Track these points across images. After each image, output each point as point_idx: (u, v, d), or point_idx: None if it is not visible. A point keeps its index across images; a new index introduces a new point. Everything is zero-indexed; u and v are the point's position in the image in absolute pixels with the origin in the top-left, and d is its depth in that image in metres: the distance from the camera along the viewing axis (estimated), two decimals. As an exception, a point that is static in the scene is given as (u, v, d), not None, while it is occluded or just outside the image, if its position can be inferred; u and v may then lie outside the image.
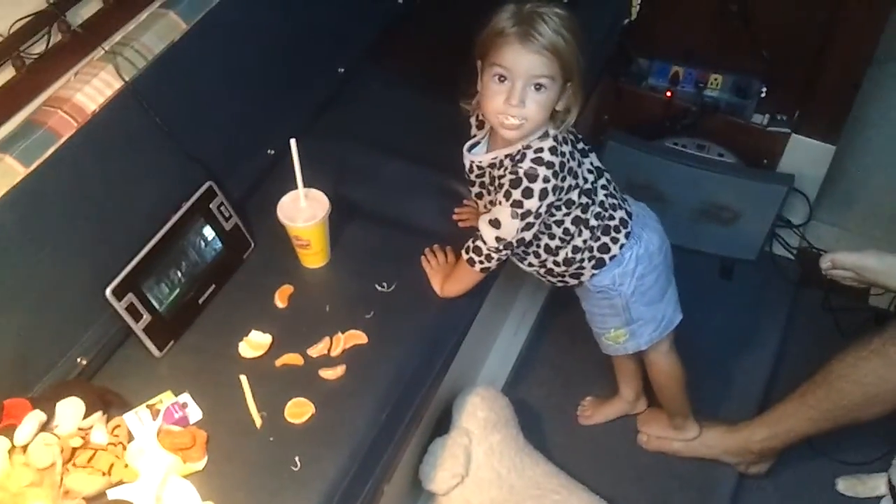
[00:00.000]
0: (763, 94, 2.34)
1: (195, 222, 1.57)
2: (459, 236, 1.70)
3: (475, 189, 1.61)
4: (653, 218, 1.68)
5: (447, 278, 1.61)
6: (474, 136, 1.58)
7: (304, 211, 1.57)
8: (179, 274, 1.54)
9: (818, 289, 2.29)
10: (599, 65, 2.26)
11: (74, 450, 1.32)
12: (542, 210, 1.45)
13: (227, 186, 1.66)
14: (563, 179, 1.46)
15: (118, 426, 1.39)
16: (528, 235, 1.50)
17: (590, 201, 1.55)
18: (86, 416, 1.36)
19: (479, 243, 1.51)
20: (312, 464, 1.37)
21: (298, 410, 1.43)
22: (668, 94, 2.37)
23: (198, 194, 1.57)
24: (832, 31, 2.10)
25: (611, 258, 1.61)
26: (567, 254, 1.58)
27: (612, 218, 1.59)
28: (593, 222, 1.56)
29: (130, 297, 1.46)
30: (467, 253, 1.54)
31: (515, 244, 1.50)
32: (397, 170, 1.81)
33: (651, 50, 2.42)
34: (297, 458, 1.37)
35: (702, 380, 2.15)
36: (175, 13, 1.55)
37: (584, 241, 1.57)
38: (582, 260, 1.60)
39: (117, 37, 1.50)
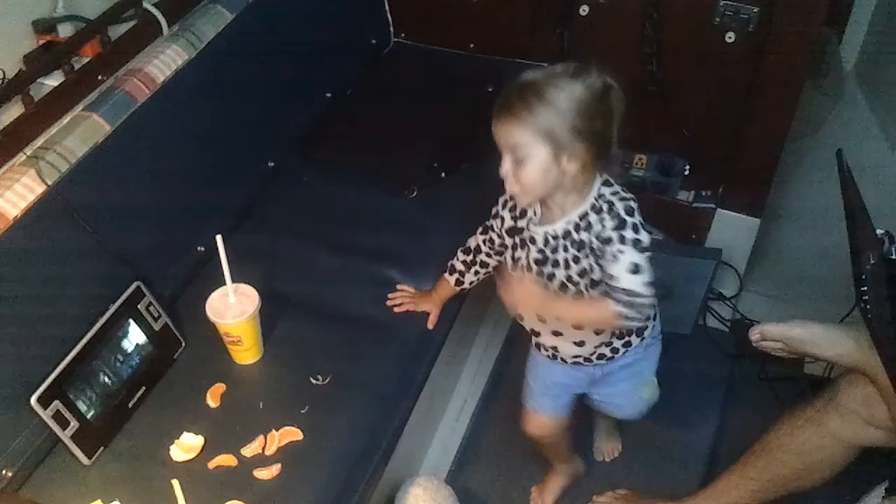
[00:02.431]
0: (687, 172, 2.40)
1: (123, 323, 1.54)
2: (394, 322, 1.71)
3: (537, 263, 1.52)
4: None
5: (564, 308, 1.54)
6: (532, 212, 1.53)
7: (233, 307, 1.56)
8: (108, 378, 1.51)
9: (754, 359, 2.32)
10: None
11: (-2, 568, 1.27)
12: None
13: (156, 285, 1.64)
14: None
15: (45, 540, 1.34)
16: None
17: None
18: (10, 531, 1.31)
19: (634, 299, 1.41)
20: (249, 570, 1.34)
21: (233, 513, 1.40)
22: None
23: (125, 295, 1.55)
24: (749, 111, 2.17)
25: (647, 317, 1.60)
26: None
27: None
28: None
29: (56, 404, 1.42)
30: (620, 306, 1.42)
31: None
32: (329, 261, 1.81)
33: (577, 133, 2.47)
34: (232, 566, 1.34)
35: (643, 456, 2.16)
36: (98, 115, 1.55)
37: None
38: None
39: (39, 141, 1.49)
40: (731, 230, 2.37)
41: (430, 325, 1.75)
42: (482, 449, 2.19)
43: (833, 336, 1.67)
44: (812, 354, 1.70)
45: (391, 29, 2.43)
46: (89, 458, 1.47)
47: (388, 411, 1.61)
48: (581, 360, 1.67)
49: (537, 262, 1.53)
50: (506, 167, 1.40)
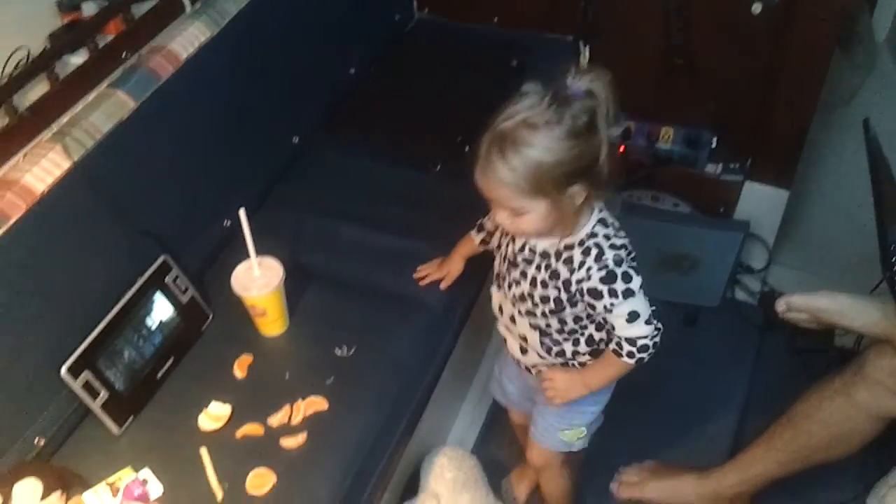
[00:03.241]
0: (714, 145, 2.38)
1: (151, 296, 1.57)
2: (419, 295, 1.72)
3: (515, 271, 1.49)
4: None
5: (590, 377, 1.53)
6: None
7: (258, 280, 1.58)
8: (136, 349, 1.54)
9: (783, 332, 2.30)
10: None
11: (32, 532, 1.31)
12: None
13: (183, 259, 1.66)
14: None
15: (77, 506, 1.37)
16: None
17: None
18: (44, 496, 1.35)
19: (640, 344, 1.42)
20: (276, 536, 1.36)
21: (260, 481, 1.42)
22: (621, 148, 2.41)
23: (152, 268, 1.58)
24: (776, 80, 2.14)
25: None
26: (596, 338, 1.51)
27: None
28: None
29: (87, 374, 1.45)
30: (628, 357, 1.44)
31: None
32: (353, 234, 1.83)
33: (602, 106, 2.46)
34: (259, 530, 1.36)
35: (670, 428, 2.16)
36: (123, 92, 1.56)
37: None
38: (602, 350, 1.52)
39: (65, 118, 1.51)
40: (760, 202, 2.36)
41: (444, 286, 1.72)
42: (507, 421, 2.19)
43: (860, 306, 1.66)
44: (839, 325, 1.69)
45: (414, 4, 2.43)
46: (119, 427, 1.50)
47: (413, 382, 1.62)
48: (520, 366, 1.65)
49: (510, 262, 1.50)
50: (501, 218, 1.36)
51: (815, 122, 2.19)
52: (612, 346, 1.46)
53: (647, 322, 1.41)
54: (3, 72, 1.43)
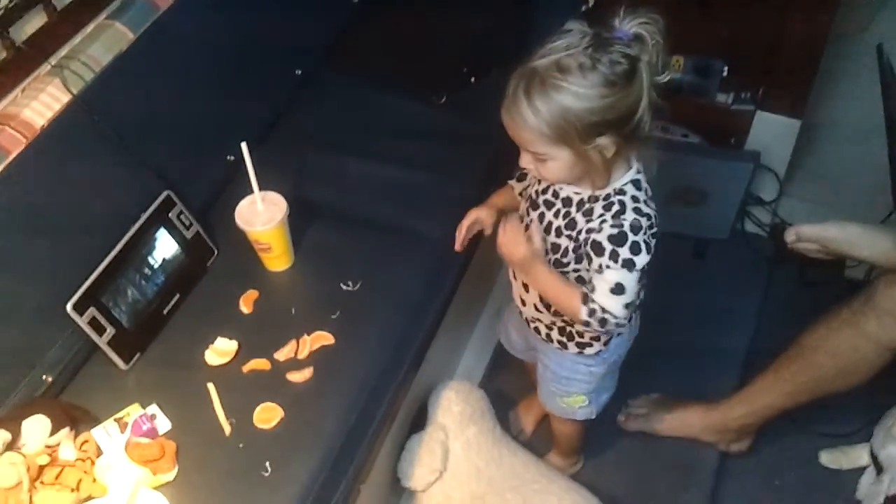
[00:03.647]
0: (725, 74, 2.33)
1: (155, 232, 1.55)
2: (424, 230, 1.70)
3: (534, 213, 1.44)
4: None
5: (539, 269, 1.41)
6: None
7: (261, 214, 1.56)
8: (141, 285, 1.53)
9: (793, 264, 2.29)
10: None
11: (42, 468, 1.31)
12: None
13: (186, 195, 1.64)
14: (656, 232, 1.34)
15: (86, 441, 1.38)
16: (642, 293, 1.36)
17: None
18: (52, 433, 1.35)
19: (606, 316, 1.34)
20: (283, 468, 1.36)
21: (267, 415, 1.43)
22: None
23: (156, 204, 1.56)
24: (789, 7, 2.09)
25: (618, 334, 1.54)
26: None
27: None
28: None
29: (92, 311, 1.44)
30: (587, 315, 1.36)
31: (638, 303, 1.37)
32: (358, 169, 1.80)
33: (611, 35, 2.42)
34: (267, 464, 1.36)
35: (679, 359, 2.16)
36: (121, 23, 1.54)
37: None
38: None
39: (63, 51, 1.49)
40: (771, 133, 2.33)
41: (457, 248, 1.61)
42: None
43: (870, 236, 1.64)
44: (848, 255, 1.68)
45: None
46: (126, 363, 1.50)
47: (418, 317, 1.61)
48: (521, 316, 1.62)
49: (532, 202, 1.45)
50: (526, 161, 1.31)
51: (827, 52, 2.15)
52: (584, 290, 1.37)
53: (626, 306, 1.34)
54: (-1, 3, 1.40)
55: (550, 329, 1.58)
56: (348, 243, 1.69)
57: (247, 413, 1.43)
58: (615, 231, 1.30)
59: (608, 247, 1.31)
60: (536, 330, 1.61)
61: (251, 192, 1.58)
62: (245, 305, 1.59)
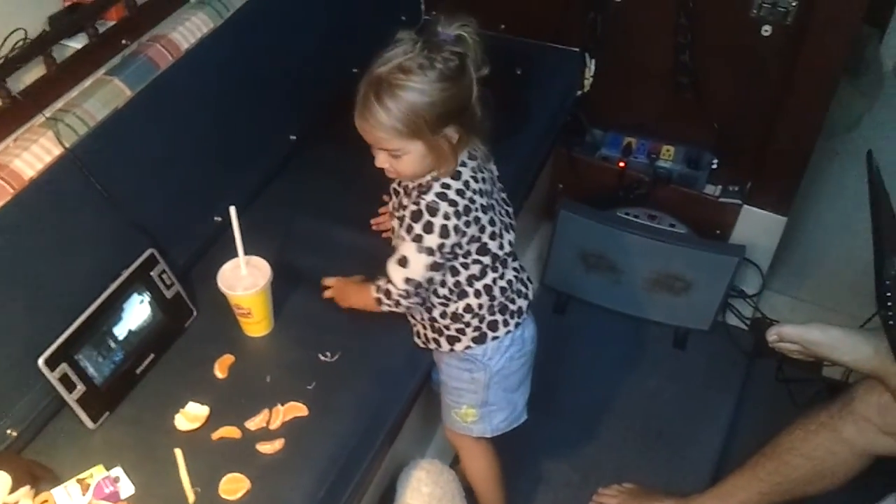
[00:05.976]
0: (714, 166, 2.37)
1: (135, 290, 1.54)
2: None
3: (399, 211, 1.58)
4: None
5: (353, 293, 1.62)
6: None
7: (244, 279, 1.55)
8: (117, 343, 1.51)
9: (772, 359, 2.29)
10: (552, 135, 2.28)
11: (-2, 526, 1.28)
12: (446, 249, 1.43)
13: (171, 254, 1.64)
14: (467, 225, 1.44)
15: (46, 501, 1.35)
16: (436, 277, 1.48)
17: (496, 272, 1.53)
18: (12, 490, 1.32)
19: (389, 286, 1.49)
20: (246, 543, 1.33)
21: (233, 486, 1.39)
22: (622, 164, 2.39)
23: (138, 262, 1.55)
24: (781, 105, 2.13)
25: (493, 338, 1.58)
26: (457, 309, 1.54)
27: (513, 301, 1.58)
28: (496, 292, 1.54)
29: (64, 367, 1.42)
30: (377, 292, 1.52)
31: (426, 286, 1.48)
32: (347, 237, 1.80)
33: (604, 121, 2.45)
34: (230, 537, 1.33)
35: (654, 450, 2.15)
36: (120, 80, 1.54)
37: (480, 306, 1.54)
38: (468, 324, 1.56)
39: (59, 103, 1.49)
40: (757, 227, 2.34)
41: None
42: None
43: (852, 341, 1.64)
44: (829, 358, 1.68)
45: (422, 6, 2.41)
46: (94, 422, 1.47)
47: (395, 392, 1.60)
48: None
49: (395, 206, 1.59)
50: (381, 161, 1.43)
51: (816, 149, 2.18)
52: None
53: (407, 280, 1.46)
54: (-1, 53, 1.40)
55: (425, 329, 1.62)
56: (330, 312, 1.67)
57: (213, 482, 1.40)
58: (415, 208, 1.43)
59: (406, 222, 1.44)
60: (417, 335, 1.65)
61: (236, 254, 1.57)
62: (220, 370, 1.56)
